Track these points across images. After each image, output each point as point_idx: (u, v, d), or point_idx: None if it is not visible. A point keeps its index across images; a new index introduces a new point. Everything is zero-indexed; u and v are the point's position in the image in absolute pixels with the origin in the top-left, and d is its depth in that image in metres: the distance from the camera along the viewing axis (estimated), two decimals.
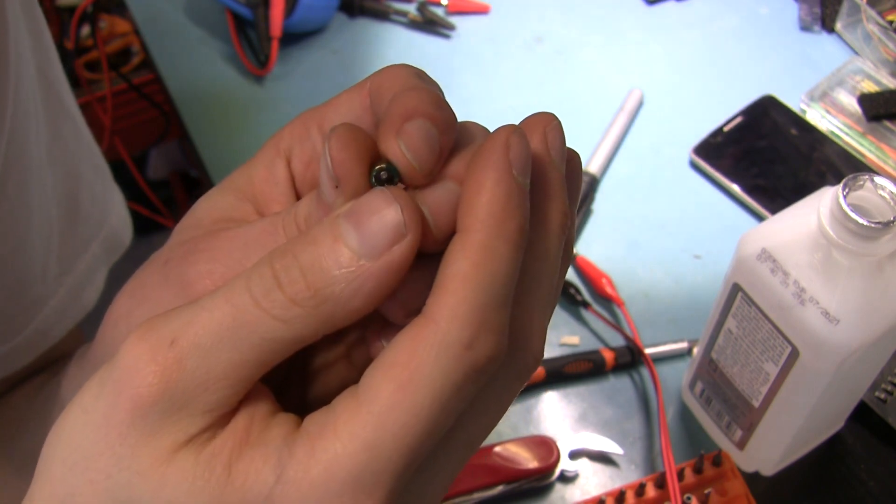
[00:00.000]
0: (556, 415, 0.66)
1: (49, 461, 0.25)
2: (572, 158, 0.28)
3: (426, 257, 0.25)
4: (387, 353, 0.24)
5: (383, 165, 0.25)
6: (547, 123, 0.27)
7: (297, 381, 0.29)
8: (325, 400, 0.25)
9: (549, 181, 0.26)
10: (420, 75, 0.27)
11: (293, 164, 0.30)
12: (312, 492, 0.23)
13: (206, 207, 0.30)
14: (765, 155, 0.79)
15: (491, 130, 0.26)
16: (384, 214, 0.24)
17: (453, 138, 0.26)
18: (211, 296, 0.24)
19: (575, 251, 0.73)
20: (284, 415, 0.25)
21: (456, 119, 0.26)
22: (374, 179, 0.25)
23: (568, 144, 0.29)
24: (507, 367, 0.25)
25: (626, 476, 0.63)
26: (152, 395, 0.23)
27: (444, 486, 0.26)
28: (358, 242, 0.24)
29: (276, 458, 0.23)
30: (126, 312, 0.29)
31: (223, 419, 0.24)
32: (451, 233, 0.25)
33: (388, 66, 0.28)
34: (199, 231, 0.29)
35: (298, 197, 0.30)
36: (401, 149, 0.24)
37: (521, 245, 0.24)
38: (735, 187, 0.77)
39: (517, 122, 0.26)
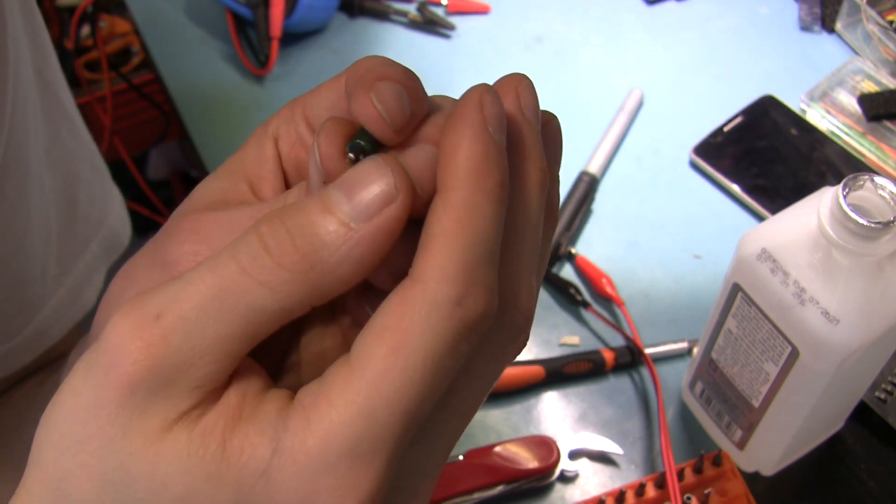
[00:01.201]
0: (556, 415, 0.66)
1: (41, 446, 0.25)
2: (551, 121, 0.28)
3: (409, 221, 0.25)
4: (376, 318, 0.24)
5: (356, 139, 0.25)
6: (518, 83, 0.27)
7: (294, 370, 0.29)
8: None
9: (525, 139, 0.26)
10: (392, 61, 0.27)
11: (280, 145, 0.30)
12: (310, 463, 0.23)
13: (201, 192, 0.30)
14: (765, 155, 0.79)
15: None
16: (375, 179, 0.24)
17: (424, 108, 0.26)
18: (196, 268, 0.24)
19: (575, 251, 0.73)
20: (277, 390, 0.25)
21: (426, 93, 0.26)
22: (350, 154, 0.25)
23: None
24: (498, 327, 0.25)
25: (626, 476, 0.63)
26: (139, 372, 0.23)
27: (441, 457, 0.26)
28: (349, 206, 0.24)
29: (271, 432, 0.23)
30: (116, 295, 0.29)
31: (213, 395, 0.24)
32: (433, 195, 0.25)
33: (365, 56, 0.28)
34: (191, 214, 0.29)
35: (285, 175, 0.31)
36: (373, 101, 0.24)
37: (503, 200, 0.24)
38: (735, 187, 0.77)
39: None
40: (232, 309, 0.23)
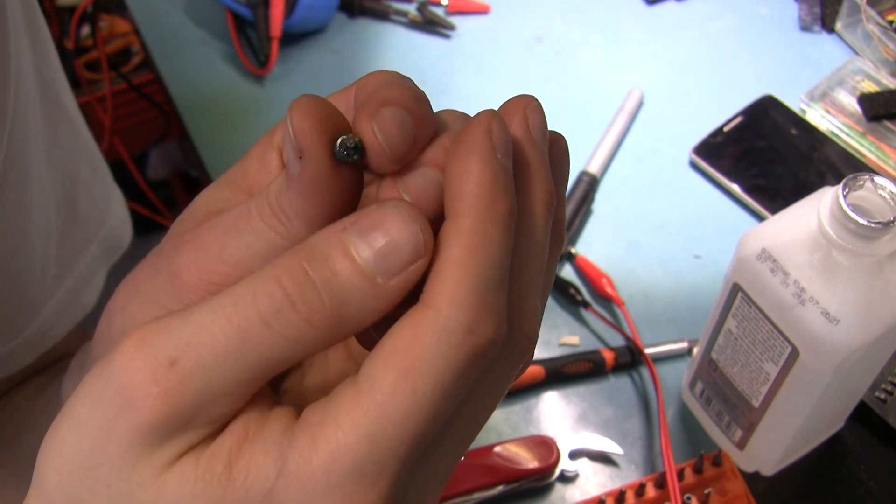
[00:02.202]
0: (556, 415, 0.66)
1: (43, 470, 0.24)
2: (558, 141, 0.28)
3: None
4: (387, 341, 0.24)
5: (350, 135, 0.24)
6: (527, 105, 0.27)
7: (296, 369, 0.29)
8: (325, 389, 0.24)
9: (532, 161, 0.26)
10: (404, 78, 0.27)
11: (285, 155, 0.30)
12: (314, 483, 0.23)
13: (202, 202, 0.30)
14: (765, 155, 0.79)
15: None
16: (401, 233, 0.23)
17: (429, 134, 0.25)
18: (210, 311, 0.24)
19: (575, 251, 0.73)
20: (282, 407, 0.25)
21: (434, 118, 0.26)
22: (338, 147, 0.24)
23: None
24: (503, 349, 0.25)
25: (626, 476, 0.63)
26: (155, 417, 0.23)
27: (445, 474, 0.26)
28: (374, 262, 0.23)
29: (276, 452, 0.23)
30: (121, 307, 0.29)
31: (224, 426, 0.24)
32: (432, 219, 0.25)
33: (375, 71, 0.28)
34: (192, 224, 0.29)
35: None
36: (374, 130, 0.24)
37: (512, 227, 0.24)
38: (735, 187, 0.77)
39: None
40: (254, 358, 0.23)
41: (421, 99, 0.25)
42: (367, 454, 0.23)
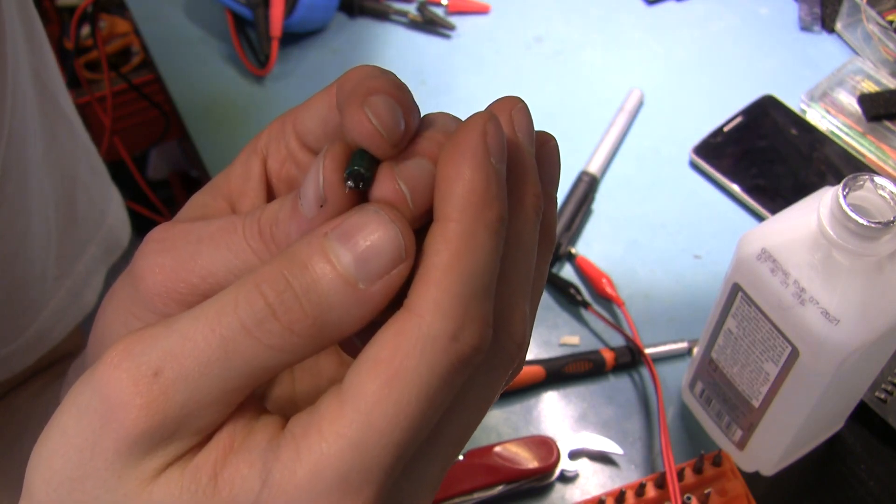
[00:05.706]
0: (556, 415, 0.66)
1: (32, 481, 0.24)
2: (548, 142, 0.28)
3: None
4: (370, 350, 0.23)
5: (357, 168, 0.24)
6: (512, 106, 0.26)
7: (287, 377, 0.29)
8: (316, 396, 0.24)
9: (519, 164, 0.26)
10: (384, 71, 0.26)
11: (269, 161, 0.30)
12: (299, 494, 0.23)
13: (186, 207, 0.30)
14: (765, 155, 0.79)
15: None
16: (381, 237, 0.23)
17: (416, 120, 0.25)
18: (192, 320, 0.23)
19: (575, 251, 0.73)
20: (268, 417, 0.25)
21: (417, 105, 0.26)
22: (348, 177, 0.24)
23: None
24: (490, 355, 0.25)
25: (626, 476, 0.63)
26: (139, 428, 0.23)
27: (433, 485, 0.26)
28: (355, 267, 0.23)
29: (261, 463, 0.23)
30: (101, 312, 0.29)
31: (209, 436, 0.24)
32: (426, 211, 0.24)
33: (353, 67, 0.27)
34: (165, 224, 0.29)
35: (275, 191, 0.30)
36: (368, 117, 0.24)
37: (502, 233, 0.24)
38: (735, 187, 0.77)
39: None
40: (238, 367, 0.23)
41: (403, 87, 0.25)
42: (350, 464, 0.22)
